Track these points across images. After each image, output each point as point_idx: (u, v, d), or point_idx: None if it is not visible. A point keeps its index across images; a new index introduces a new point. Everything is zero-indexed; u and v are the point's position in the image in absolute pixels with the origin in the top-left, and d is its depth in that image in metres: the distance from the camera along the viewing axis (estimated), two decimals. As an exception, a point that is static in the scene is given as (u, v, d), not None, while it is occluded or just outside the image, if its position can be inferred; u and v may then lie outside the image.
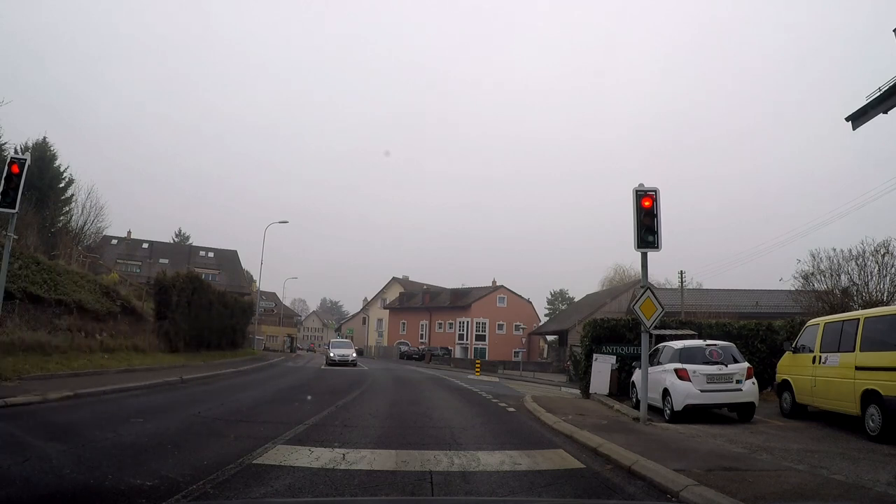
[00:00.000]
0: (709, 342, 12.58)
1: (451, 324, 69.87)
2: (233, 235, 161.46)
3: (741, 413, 11.65)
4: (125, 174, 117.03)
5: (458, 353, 64.76)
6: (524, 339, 67.31)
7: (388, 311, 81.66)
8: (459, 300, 70.39)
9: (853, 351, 9.68)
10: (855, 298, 20.66)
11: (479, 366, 38.62)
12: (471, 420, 11.32)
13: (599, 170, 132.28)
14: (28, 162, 12.31)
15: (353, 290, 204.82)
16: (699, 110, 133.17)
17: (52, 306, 17.58)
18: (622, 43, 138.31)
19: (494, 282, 71.89)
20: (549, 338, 66.68)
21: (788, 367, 12.02)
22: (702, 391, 11.29)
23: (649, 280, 11.01)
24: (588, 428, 9.63)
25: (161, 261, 53.82)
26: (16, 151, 21.08)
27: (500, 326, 68.03)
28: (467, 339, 67.16)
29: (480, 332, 67.17)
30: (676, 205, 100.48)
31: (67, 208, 36.82)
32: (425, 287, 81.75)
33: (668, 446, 8.13)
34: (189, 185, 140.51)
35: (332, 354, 35.49)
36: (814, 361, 10.87)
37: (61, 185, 36.94)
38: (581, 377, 18.71)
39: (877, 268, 20.41)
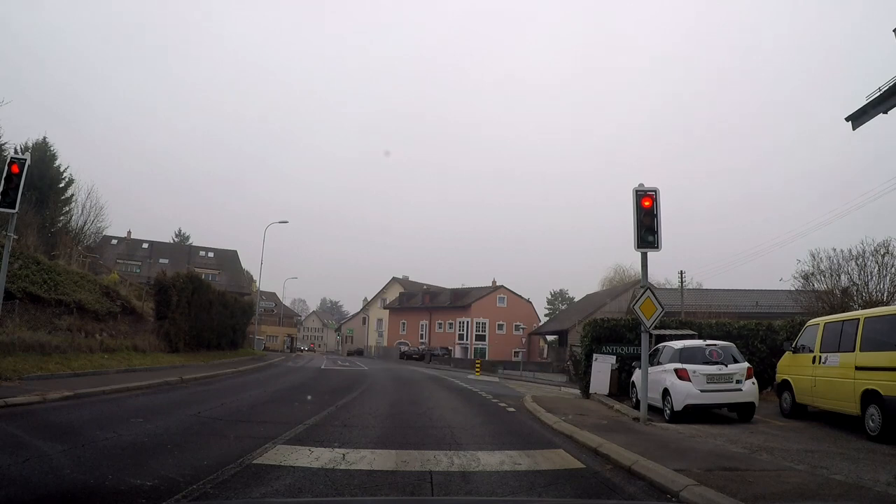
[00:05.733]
0: (709, 342, 12.58)
1: (451, 324, 69.86)
2: (233, 235, 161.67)
3: (741, 413, 11.65)
4: (125, 174, 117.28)
5: (458, 353, 64.77)
6: (524, 339, 67.33)
7: (388, 311, 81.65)
8: (459, 300, 70.38)
9: (853, 351, 9.68)
10: (855, 298, 20.67)
11: (479, 366, 38.61)
12: (471, 420, 11.32)
13: (599, 169, 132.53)
14: (28, 162, 12.31)
15: (353, 290, 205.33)
16: (698, 111, 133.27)
17: (52, 306, 17.56)
18: (622, 41, 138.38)
19: (494, 282, 71.91)
20: (549, 338, 66.70)
21: (788, 367, 12.02)
22: (702, 391, 11.28)
23: (649, 280, 11.01)
24: (588, 428, 9.63)
25: (161, 261, 53.84)
26: (16, 151, 21.07)
27: (500, 326, 68.03)
28: (467, 339, 67.15)
29: (480, 332, 67.17)
30: (676, 205, 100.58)
31: (67, 208, 36.74)
32: (425, 287, 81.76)
33: (668, 446, 8.13)
34: (189, 185, 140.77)
35: None
36: (814, 361, 10.86)
37: (61, 185, 36.84)
38: (581, 377, 18.71)
39: (877, 268, 20.44)
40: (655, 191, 10.54)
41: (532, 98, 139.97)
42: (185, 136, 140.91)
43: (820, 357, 10.71)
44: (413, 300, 78.47)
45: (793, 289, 24.25)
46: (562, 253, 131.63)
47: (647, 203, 10.47)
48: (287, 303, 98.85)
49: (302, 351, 75.02)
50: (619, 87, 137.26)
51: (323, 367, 33.18)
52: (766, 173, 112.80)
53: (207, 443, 7.46)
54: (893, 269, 20.18)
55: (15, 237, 13.24)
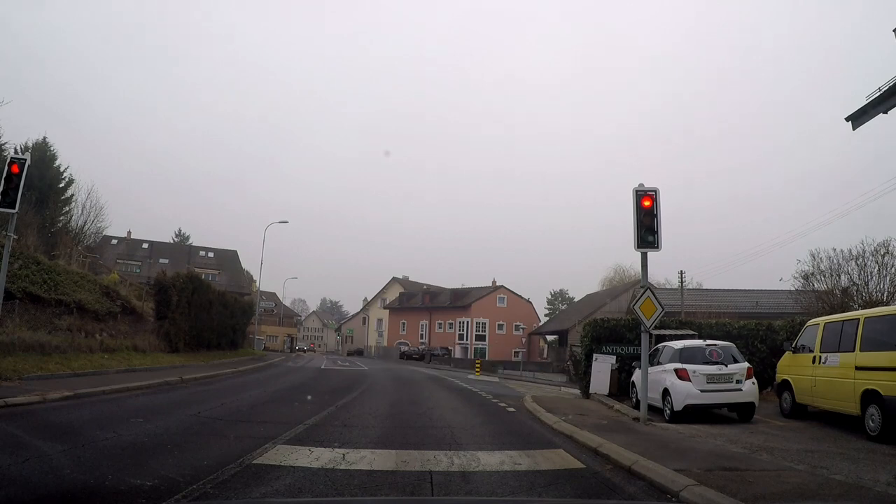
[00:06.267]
0: (709, 342, 12.58)
1: (451, 324, 69.85)
2: (233, 235, 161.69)
3: (741, 413, 11.65)
4: (125, 174, 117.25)
5: (458, 353, 64.76)
6: (524, 339, 67.33)
7: (388, 311, 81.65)
8: (459, 300, 70.37)
9: (853, 351, 9.68)
10: (855, 298, 20.66)
11: (479, 366, 38.61)
12: (471, 420, 11.32)
13: (600, 169, 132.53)
14: (28, 162, 12.30)
15: (353, 290, 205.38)
16: (698, 111, 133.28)
17: (52, 306, 17.56)
18: (622, 41, 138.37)
19: (494, 282, 71.90)
20: (549, 338, 66.69)
21: (788, 367, 12.02)
22: (702, 391, 11.28)
23: (649, 280, 11.00)
24: (588, 428, 9.63)
25: (161, 261, 53.84)
26: (16, 151, 21.07)
27: (500, 326, 68.02)
28: (467, 339, 67.14)
29: (480, 332, 67.15)
30: (676, 205, 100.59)
31: (67, 208, 36.73)
32: (425, 287, 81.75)
33: (668, 446, 8.13)
34: (189, 185, 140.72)
35: None
36: (814, 361, 10.86)
37: (61, 185, 36.83)
38: (581, 377, 18.71)
39: (877, 268, 20.44)
40: (655, 191, 10.54)
41: (532, 98, 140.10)
42: (185, 136, 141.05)
43: (820, 357, 10.70)
44: (413, 300, 78.46)
45: (793, 289, 24.27)
46: (562, 253, 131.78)
47: (647, 203, 10.46)
48: (287, 303, 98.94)
49: (304, 351, 74.48)
50: (619, 87, 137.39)
51: (323, 367, 33.19)
52: (766, 173, 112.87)
53: (207, 443, 7.46)
54: (893, 269, 20.20)
55: (15, 237, 13.23)
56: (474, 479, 6.02)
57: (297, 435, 8.26)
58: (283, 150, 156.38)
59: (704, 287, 43.29)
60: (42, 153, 34.84)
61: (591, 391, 16.70)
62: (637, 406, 12.45)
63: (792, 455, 7.55)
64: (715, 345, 12.25)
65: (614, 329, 17.27)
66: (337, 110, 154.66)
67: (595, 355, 16.87)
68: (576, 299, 74.11)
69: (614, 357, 16.55)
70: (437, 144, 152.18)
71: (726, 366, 11.56)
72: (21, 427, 7.72)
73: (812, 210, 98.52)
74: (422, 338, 73.36)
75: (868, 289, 20.64)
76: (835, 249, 21.73)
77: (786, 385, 11.98)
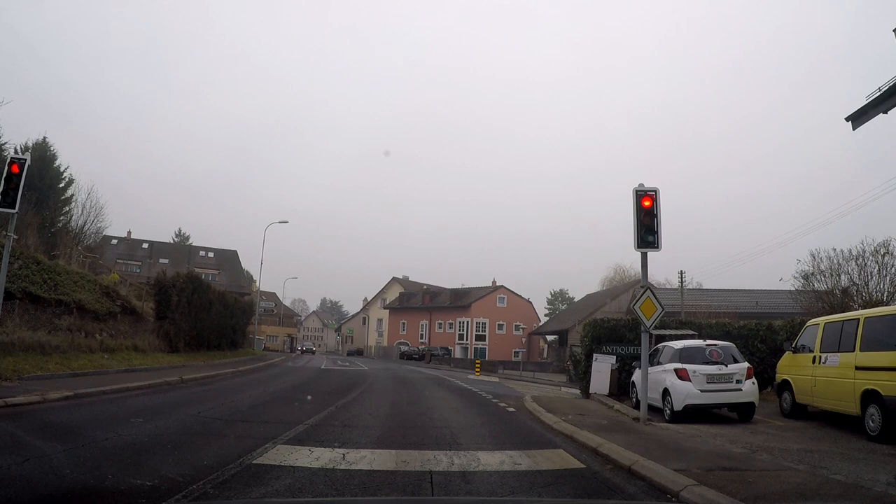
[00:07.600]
0: (709, 342, 12.58)
1: (451, 324, 69.86)
2: (233, 235, 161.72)
3: (741, 413, 11.65)
4: (125, 174, 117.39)
5: (458, 353, 64.76)
6: (524, 339, 67.31)
7: (388, 311, 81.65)
8: (459, 300, 70.37)
9: (853, 351, 9.68)
10: (855, 298, 20.64)
11: (479, 366, 38.62)
12: (471, 420, 11.32)
13: (600, 169, 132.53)
14: (28, 162, 12.30)
15: (353, 290, 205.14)
16: (698, 110, 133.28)
17: (52, 306, 17.54)
18: (623, 40, 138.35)
19: (494, 282, 71.91)
20: (549, 338, 66.70)
21: (788, 367, 12.02)
22: (702, 391, 11.28)
23: (649, 280, 11.00)
24: (588, 428, 9.63)
25: (161, 261, 53.81)
26: (16, 151, 21.13)
27: (500, 326, 68.02)
28: (467, 339, 67.15)
29: (480, 332, 67.16)
30: (676, 205, 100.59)
31: (67, 208, 36.65)
32: (425, 287, 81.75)
33: (667, 446, 8.12)
34: (189, 185, 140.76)
35: None
36: (814, 361, 10.87)
37: (61, 185, 36.79)
38: (581, 377, 18.71)
39: (877, 268, 20.39)
40: (655, 191, 10.53)
41: (532, 98, 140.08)
42: (185, 136, 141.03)
43: (820, 357, 10.71)
44: (413, 300, 78.45)
45: (793, 289, 24.24)
46: (562, 253, 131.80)
47: (647, 203, 10.45)
48: (287, 303, 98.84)
49: (313, 352, 72.55)
50: (620, 87, 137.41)
51: (323, 367, 33.19)
52: (766, 173, 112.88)
53: (207, 443, 7.46)
54: (893, 269, 20.15)
55: (15, 237, 13.23)
56: (474, 479, 6.02)
57: (297, 435, 8.26)
58: (284, 150, 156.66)
59: (704, 287, 43.25)
60: (42, 153, 34.80)
61: (591, 391, 16.70)
62: (637, 406, 12.45)
63: (792, 455, 7.55)
64: (715, 345, 12.25)
65: (614, 329, 17.27)
66: (337, 110, 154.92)
67: (595, 355, 16.87)
68: (576, 299, 74.14)
69: (614, 357, 16.55)
70: (437, 144, 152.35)
71: (726, 366, 11.56)
72: (21, 427, 7.71)
73: (812, 210, 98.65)
74: (422, 338, 73.34)
75: (868, 289, 20.61)
76: (835, 249, 21.72)
77: (786, 385, 11.98)
